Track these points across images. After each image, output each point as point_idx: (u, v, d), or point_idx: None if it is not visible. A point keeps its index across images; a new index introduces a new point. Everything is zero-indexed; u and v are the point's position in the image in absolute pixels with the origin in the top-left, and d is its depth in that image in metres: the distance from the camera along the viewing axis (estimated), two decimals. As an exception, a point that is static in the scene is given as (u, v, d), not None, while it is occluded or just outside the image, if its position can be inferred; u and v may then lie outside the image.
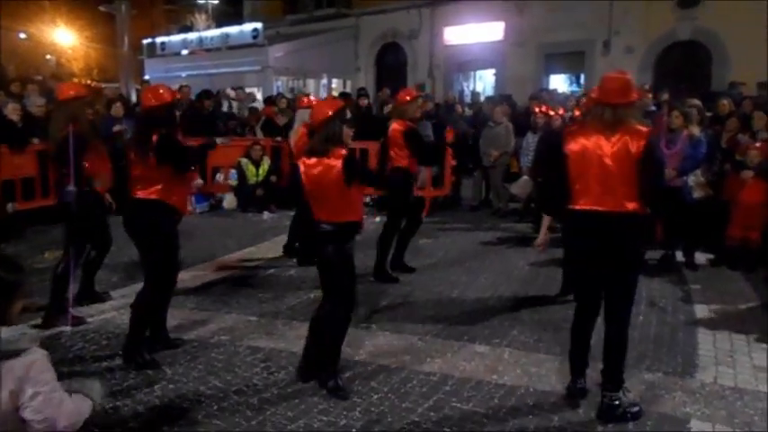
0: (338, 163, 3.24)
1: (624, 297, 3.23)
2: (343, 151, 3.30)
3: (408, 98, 5.66)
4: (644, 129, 3.11)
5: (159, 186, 3.68)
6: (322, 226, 3.36)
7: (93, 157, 4.47)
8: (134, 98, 13.66)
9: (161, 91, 3.85)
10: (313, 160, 3.33)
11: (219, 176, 9.52)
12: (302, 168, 3.38)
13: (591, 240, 3.18)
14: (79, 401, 2.05)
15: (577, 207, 3.19)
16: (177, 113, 3.99)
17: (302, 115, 6.56)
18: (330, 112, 3.35)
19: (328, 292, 3.53)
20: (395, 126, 5.53)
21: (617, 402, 3.21)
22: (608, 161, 3.05)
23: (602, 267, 3.20)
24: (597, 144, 3.09)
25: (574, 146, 3.19)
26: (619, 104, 3.08)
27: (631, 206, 3.06)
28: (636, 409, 3.24)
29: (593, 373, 3.50)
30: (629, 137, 3.03)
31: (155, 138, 3.63)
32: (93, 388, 2.18)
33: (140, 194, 3.72)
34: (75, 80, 18.83)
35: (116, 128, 6.66)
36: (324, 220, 3.36)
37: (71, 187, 4.36)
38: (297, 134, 6.48)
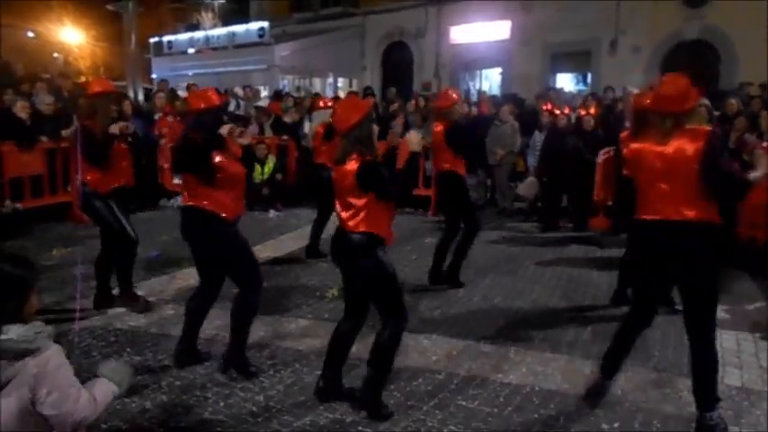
0: (354, 166, 3.02)
1: (702, 312, 3.04)
2: (366, 156, 3.06)
3: (449, 104, 5.25)
4: (703, 129, 2.95)
5: (205, 192, 3.51)
6: (349, 235, 3.09)
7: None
8: (141, 97, 13.70)
9: (209, 95, 3.71)
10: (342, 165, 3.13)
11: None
12: (334, 174, 3.18)
13: (651, 251, 3.07)
14: (99, 390, 2.08)
15: (640, 217, 3.08)
16: (225, 118, 3.87)
17: (321, 116, 6.58)
18: (358, 117, 3.10)
19: (353, 306, 3.36)
20: (436, 129, 5.30)
21: (714, 423, 3.01)
22: (665, 168, 2.91)
23: (663, 278, 3.10)
24: (654, 152, 2.95)
25: (631, 157, 3.09)
26: (681, 113, 2.91)
27: (692, 214, 2.88)
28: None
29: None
30: (685, 140, 2.86)
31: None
32: (120, 371, 2.22)
33: (189, 202, 3.59)
34: (82, 78, 18.94)
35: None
36: (349, 229, 3.09)
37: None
38: (315, 134, 6.52)
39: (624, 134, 4.46)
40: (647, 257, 3.14)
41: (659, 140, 2.95)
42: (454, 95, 5.40)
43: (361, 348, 3.96)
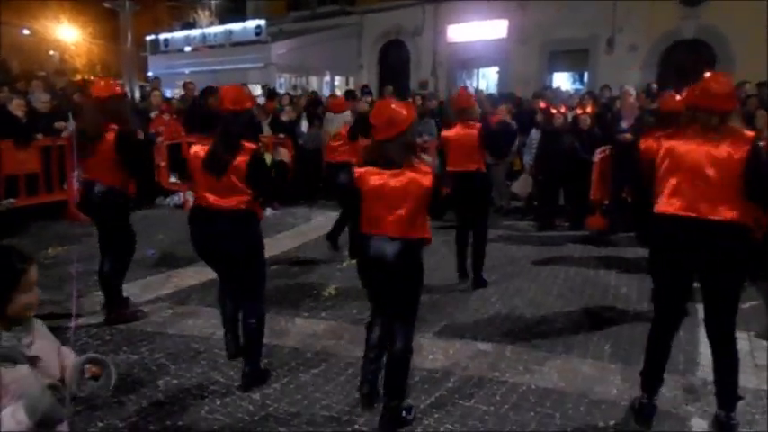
0: (427, 179, 3.00)
1: (726, 314, 3.05)
2: (429, 169, 3.07)
3: (473, 104, 5.45)
4: (748, 132, 2.97)
5: (246, 197, 3.43)
6: (401, 240, 3.01)
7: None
8: (137, 95, 13.67)
9: (243, 96, 3.58)
10: (388, 172, 3.01)
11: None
12: (372, 179, 3.03)
13: (677, 247, 3.01)
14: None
15: (669, 211, 3.01)
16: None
17: (341, 119, 6.55)
18: (407, 124, 3.04)
19: (395, 308, 3.21)
20: (470, 129, 5.30)
21: (735, 422, 3.06)
22: (709, 166, 2.89)
23: (686, 276, 3.04)
24: (698, 149, 2.92)
25: (668, 150, 3.02)
26: (728, 111, 2.92)
27: (730, 215, 2.87)
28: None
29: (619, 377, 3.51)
30: (732, 140, 2.88)
31: (242, 159, 3.36)
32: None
33: (222, 204, 3.43)
34: (78, 76, 18.89)
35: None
36: (404, 234, 3.02)
37: (98, 186, 4.34)
38: (336, 135, 6.51)
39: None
40: (669, 253, 3.07)
41: (705, 138, 2.92)
42: (473, 99, 5.59)
43: (352, 347, 3.96)
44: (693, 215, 2.94)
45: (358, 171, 3.10)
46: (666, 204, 3.04)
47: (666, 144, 3.05)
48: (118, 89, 4.59)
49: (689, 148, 2.95)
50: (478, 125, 5.31)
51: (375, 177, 3.03)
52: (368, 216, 3.08)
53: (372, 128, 3.12)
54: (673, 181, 3.01)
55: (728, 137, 2.89)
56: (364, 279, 3.22)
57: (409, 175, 3.00)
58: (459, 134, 5.32)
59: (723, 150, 2.87)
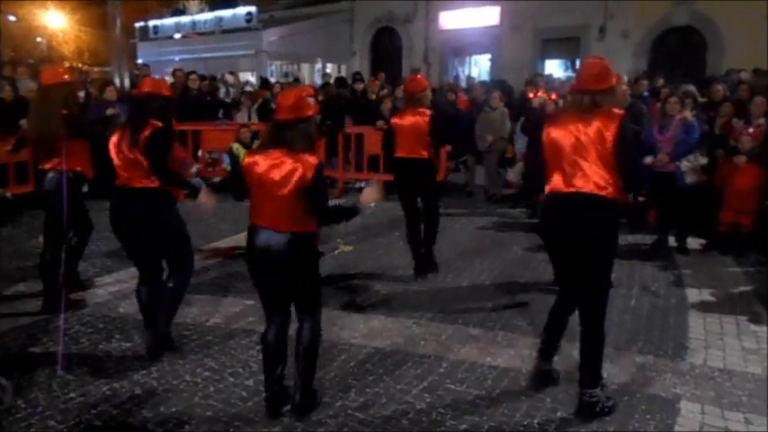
0: (309, 172, 2.91)
1: (597, 284, 3.12)
2: (315, 160, 2.96)
3: (419, 91, 5.22)
4: (618, 111, 3.08)
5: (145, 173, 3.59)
6: (276, 233, 3.00)
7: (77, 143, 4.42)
8: (127, 82, 13.53)
9: (163, 85, 3.75)
10: (270, 159, 3.03)
11: (211, 157, 9.52)
12: (256, 168, 3.08)
13: (556, 222, 3.14)
14: None
15: (548, 189, 3.16)
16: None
17: None
18: (314, 112, 3.07)
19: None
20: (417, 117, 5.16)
21: (595, 399, 3.12)
22: (582, 144, 3.01)
23: (570, 251, 3.12)
24: (573, 128, 3.04)
25: (550, 130, 3.15)
26: (597, 91, 3.04)
27: (603, 190, 2.98)
28: (611, 403, 3.17)
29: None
30: (602, 121, 2.99)
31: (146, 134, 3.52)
32: None
33: (138, 184, 3.61)
34: (66, 64, 18.67)
35: (109, 111, 6.61)
36: (278, 229, 2.99)
37: (51, 173, 4.35)
38: None
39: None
40: (550, 229, 3.24)
41: (579, 118, 3.05)
42: (426, 83, 5.38)
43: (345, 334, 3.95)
44: (564, 190, 3.06)
45: (248, 159, 3.06)
46: (548, 182, 3.17)
47: (551, 125, 3.18)
48: (66, 77, 4.63)
49: (566, 127, 3.07)
50: (428, 112, 5.14)
51: (259, 165, 2.97)
52: (253, 205, 3.08)
53: (275, 109, 3.10)
54: (553, 160, 3.13)
55: (600, 116, 2.99)
56: (252, 273, 3.13)
57: (291, 164, 2.88)
58: (411, 121, 5.15)
59: (595, 129, 2.97)
